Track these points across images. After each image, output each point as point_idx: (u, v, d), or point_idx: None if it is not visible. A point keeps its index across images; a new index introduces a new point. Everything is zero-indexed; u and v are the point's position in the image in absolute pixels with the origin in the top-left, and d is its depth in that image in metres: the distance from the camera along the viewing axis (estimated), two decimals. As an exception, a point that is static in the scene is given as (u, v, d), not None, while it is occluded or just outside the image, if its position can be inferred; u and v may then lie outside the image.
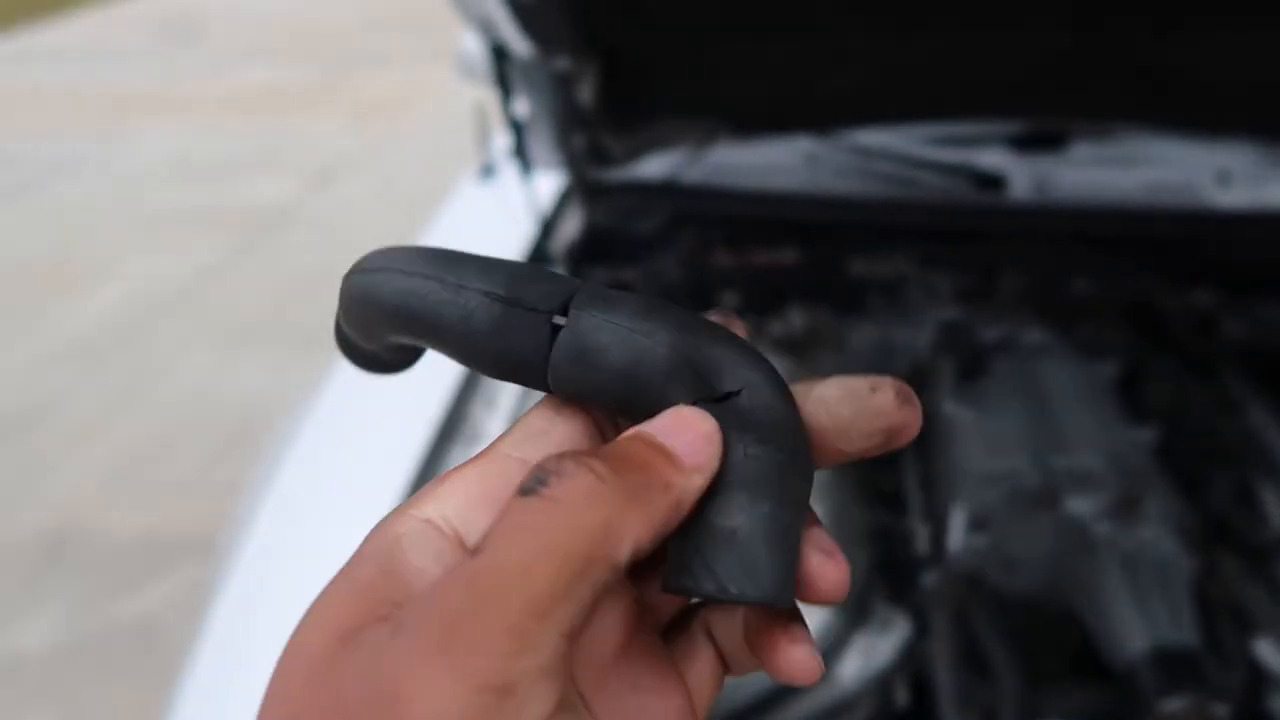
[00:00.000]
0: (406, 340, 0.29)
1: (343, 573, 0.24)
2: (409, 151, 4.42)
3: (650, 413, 0.26)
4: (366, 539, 0.24)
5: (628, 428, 0.26)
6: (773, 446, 0.25)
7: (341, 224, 3.76)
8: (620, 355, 0.25)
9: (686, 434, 0.24)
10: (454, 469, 0.26)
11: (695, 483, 0.24)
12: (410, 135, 4.64)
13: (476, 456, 0.26)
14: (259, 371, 2.80)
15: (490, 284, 0.27)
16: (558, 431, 0.27)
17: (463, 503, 0.25)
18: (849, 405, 0.26)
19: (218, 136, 4.74)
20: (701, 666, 0.28)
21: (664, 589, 0.25)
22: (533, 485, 0.22)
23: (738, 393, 0.25)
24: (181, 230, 3.76)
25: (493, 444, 0.26)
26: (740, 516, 0.24)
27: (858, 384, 0.26)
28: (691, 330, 0.26)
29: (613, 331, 0.26)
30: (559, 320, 0.26)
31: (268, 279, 3.38)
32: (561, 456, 0.23)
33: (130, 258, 3.56)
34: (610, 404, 0.27)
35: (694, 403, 0.25)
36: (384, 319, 0.28)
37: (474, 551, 0.21)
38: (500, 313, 0.26)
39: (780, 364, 1.17)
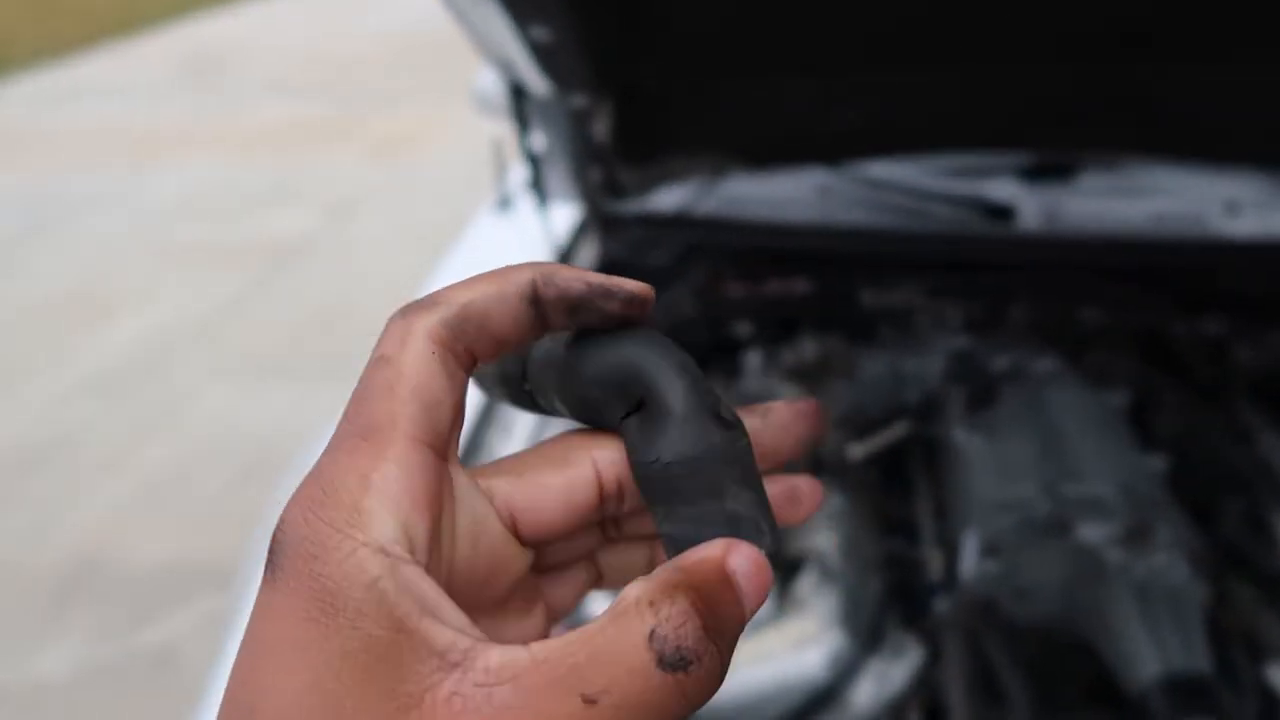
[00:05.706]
0: None
1: (325, 635, 0.20)
2: (426, 185, 4.48)
3: (605, 420, 0.26)
4: (319, 586, 0.21)
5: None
6: (680, 456, 0.24)
7: (360, 257, 3.81)
8: (583, 365, 0.26)
9: (761, 583, 0.23)
10: (349, 455, 0.23)
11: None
12: (427, 169, 4.70)
13: (375, 443, 0.23)
14: (278, 403, 2.83)
15: None
16: (450, 400, 0.25)
17: (407, 510, 0.22)
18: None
19: (238, 172, 4.82)
20: (569, 587, 0.29)
21: None
22: (677, 663, 0.20)
23: (642, 403, 0.25)
24: (202, 264, 3.82)
25: (390, 425, 0.23)
26: (667, 526, 0.25)
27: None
28: (626, 341, 0.26)
29: (590, 343, 0.27)
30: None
31: (287, 312, 3.42)
32: (705, 637, 0.21)
33: (152, 292, 3.61)
34: (569, 411, 0.28)
35: (624, 416, 0.25)
36: None
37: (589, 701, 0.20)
38: None
39: (793, 393, 1.19)
